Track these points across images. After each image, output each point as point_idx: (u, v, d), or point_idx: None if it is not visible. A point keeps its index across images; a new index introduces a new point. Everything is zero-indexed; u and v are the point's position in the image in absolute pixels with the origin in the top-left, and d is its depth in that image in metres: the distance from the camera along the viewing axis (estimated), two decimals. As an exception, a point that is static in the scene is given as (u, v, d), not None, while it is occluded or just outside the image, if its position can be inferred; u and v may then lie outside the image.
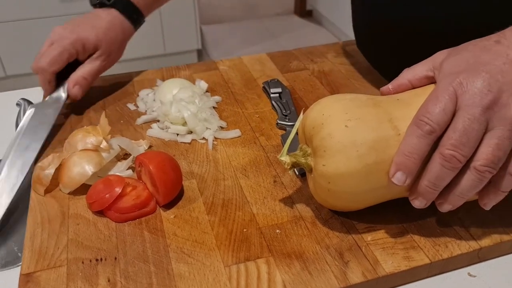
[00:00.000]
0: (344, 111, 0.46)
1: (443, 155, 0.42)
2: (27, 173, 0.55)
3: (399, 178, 0.43)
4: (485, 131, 0.42)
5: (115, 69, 0.75)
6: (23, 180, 0.55)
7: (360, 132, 0.44)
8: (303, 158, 0.49)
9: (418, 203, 0.45)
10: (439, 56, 0.48)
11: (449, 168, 0.42)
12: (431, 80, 0.48)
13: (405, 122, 0.44)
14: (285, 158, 0.48)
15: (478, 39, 0.46)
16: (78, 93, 0.67)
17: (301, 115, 0.49)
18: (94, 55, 0.69)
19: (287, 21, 3.15)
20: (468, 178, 0.43)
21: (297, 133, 0.50)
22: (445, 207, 0.45)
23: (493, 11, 0.52)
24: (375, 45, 0.72)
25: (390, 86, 0.50)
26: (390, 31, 0.66)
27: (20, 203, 0.55)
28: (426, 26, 0.61)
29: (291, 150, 0.50)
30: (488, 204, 0.45)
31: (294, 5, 3.28)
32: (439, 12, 0.59)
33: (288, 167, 0.48)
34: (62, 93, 0.67)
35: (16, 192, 0.54)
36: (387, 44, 0.68)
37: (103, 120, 0.58)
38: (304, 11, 3.23)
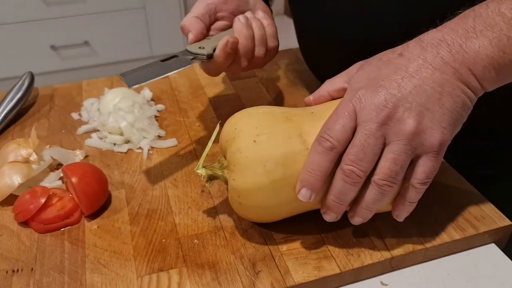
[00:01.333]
0: (255, 126, 0.46)
1: (343, 170, 0.43)
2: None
3: (304, 194, 0.44)
4: (384, 145, 0.42)
5: (98, 72, 0.76)
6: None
7: (267, 147, 0.45)
8: (219, 171, 0.49)
9: (328, 217, 0.46)
10: (353, 68, 0.49)
11: (351, 183, 0.43)
12: None
13: (315, 136, 0.45)
14: (201, 171, 0.49)
15: (388, 50, 0.46)
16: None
17: (217, 127, 0.49)
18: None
19: (277, 21, 3.15)
20: (370, 192, 0.44)
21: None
22: (356, 220, 0.46)
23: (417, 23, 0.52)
24: (317, 59, 0.73)
25: (311, 97, 0.51)
26: (326, 47, 0.67)
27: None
28: (358, 41, 0.61)
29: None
30: (400, 215, 0.46)
31: (283, 5, 3.28)
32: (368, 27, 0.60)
33: (205, 180, 0.49)
34: None
35: None
36: (327, 60, 0.69)
37: (33, 133, 0.58)
38: (293, 12, 3.23)
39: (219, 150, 0.51)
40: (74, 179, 0.51)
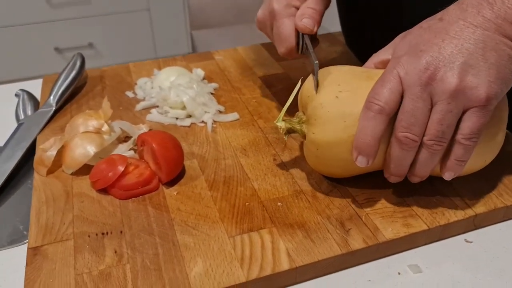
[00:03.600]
0: (337, 83, 0.48)
1: (398, 138, 0.44)
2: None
3: (360, 161, 0.45)
4: (431, 107, 0.43)
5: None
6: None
7: (349, 104, 0.46)
8: (298, 125, 0.50)
9: (393, 180, 0.48)
10: (397, 39, 0.49)
11: (407, 149, 0.44)
12: None
13: None
14: (281, 124, 0.50)
15: (428, 18, 0.47)
16: (308, 23, 0.54)
17: (298, 83, 0.51)
18: None
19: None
20: (422, 152, 0.45)
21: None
22: (415, 179, 0.48)
23: None
24: (363, 45, 0.74)
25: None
26: (375, 30, 0.68)
27: (21, 186, 0.55)
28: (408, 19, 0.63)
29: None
30: (447, 173, 0.46)
31: None
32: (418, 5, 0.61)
33: (283, 132, 0.50)
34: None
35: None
36: (373, 44, 0.71)
37: (106, 104, 0.58)
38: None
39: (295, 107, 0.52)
40: (154, 145, 0.51)
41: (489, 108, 0.42)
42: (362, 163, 0.45)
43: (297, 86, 0.51)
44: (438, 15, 0.46)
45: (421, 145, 0.44)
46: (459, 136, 0.43)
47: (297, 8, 0.56)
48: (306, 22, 0.54)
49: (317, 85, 0.48)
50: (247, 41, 0.62)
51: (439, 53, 0.42)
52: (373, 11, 0.70)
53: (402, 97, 0.44)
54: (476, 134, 0.43)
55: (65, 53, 2.33)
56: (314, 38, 0.58)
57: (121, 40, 2.41)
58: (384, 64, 0.50)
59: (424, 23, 0.46)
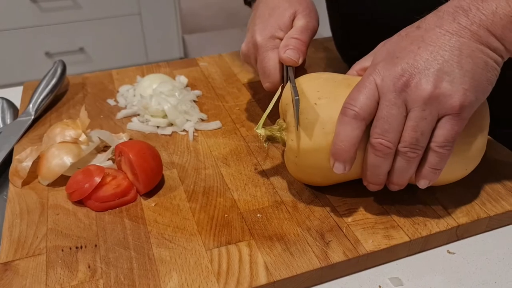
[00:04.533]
0: (316, 89, 0.47)
1: (372, 145, 0.43)
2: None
3: (337, 167, 0.44)
4: (406, 114, 0.42)
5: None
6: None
7: (328, 110, 0.46)
8: (278, 132, 0.50)
9: (371, 188, 0.47)
10: (378, 47, 0.49)
11: (381, 155, 0.43)
12: None
13: None
14: (261, 131, 0.49)
15: (407, 26, 0.46)
16: (292, 55, 0.53)
17: (278, 90, 0.50)
18: (296, 18, 0.58)
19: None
20: (398, 161, 0.44)
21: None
22: (393, 187, 0.47)
23: None
24: (353, 51, 0.74)
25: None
26: (365, 34, 0.68)
27: (-2, 198, 0.54)
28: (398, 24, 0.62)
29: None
30: (421, 182, 0.45)
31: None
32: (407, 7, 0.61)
33: (263, 140, 0.50)
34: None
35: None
36: (362, 50, 0.70)
37: (83, 113, 0.57)
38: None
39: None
40: (132, 155, 0.50)
41: (463, 116, 0.42)
42: (339, 170, 0.44)
43: (277, 93, 0.50)
44: (416, 23, 0.45)
45: (397, 153, 0.44)
46: (433, 144, 0.43)
47: (281, 39, 0.55)
48: (290, 53, 0.53)
49: (297, 121, 0.46)
50: (239, 45, 0.62)
51: (414, 60, 0.42)
52: (363, 17, 0.70)
53: (378, 104, 0.43)
54: (450, 142, 0.42)
55: (55, 58, 2.31)
56: (301, 68, 0.57)
57: (112, 45, 2.40)
58: (365, 71, 0.49)
59: (403, 31, 0.46)
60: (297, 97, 0.45)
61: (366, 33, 0.69)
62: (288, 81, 0.50)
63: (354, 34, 0.73)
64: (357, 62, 0.51)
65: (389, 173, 0.45)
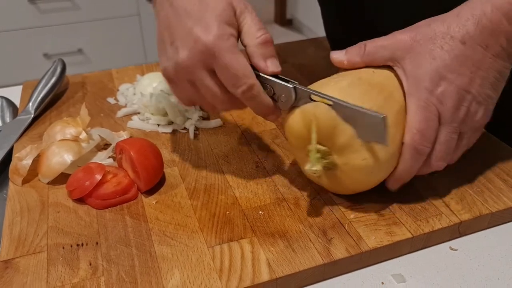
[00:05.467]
0: (360, 102, 0.44)
1: (431, 166, 0.48)
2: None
3: (394, 188, 0.50)
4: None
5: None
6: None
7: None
8: (325, 160, 0.46)
9: (394, 187, 0.50)
10: (397, 44, 0.47)
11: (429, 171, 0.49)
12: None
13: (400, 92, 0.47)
14: (317, 167, 0.45)
15: (439, 31, 0.45)
16: (277, 66, 0.47)
17: (313, 122, 0.45)
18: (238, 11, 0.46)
19: (267, 30, 3.18)
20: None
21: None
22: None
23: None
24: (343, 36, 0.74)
25: (345, 61, 0.49)
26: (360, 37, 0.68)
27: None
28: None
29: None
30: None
31: (274, 14, 3.31)
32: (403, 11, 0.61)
33: (318, 174, 0.46)
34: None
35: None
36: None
37: (83, 111, 0.57)
38: (284, 20, 3.27)
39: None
40: (133, 153, 0.50)
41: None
42: (394, 190, 0.50)
43: (312, 125, 0.45)
44: (458, 35, 0.44)
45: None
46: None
47: (235, 37, 0.45)
48: (274, 67, 0.46)
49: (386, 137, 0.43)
50: None
51: (470, 86, 0.44)
52: (359, 17, 0.70)
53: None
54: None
55: (54, 59, 2.30)
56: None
57: (111, 46, 2.40)
58: (375, 64, 0.48)
59: (442, 41, 0.45)
60: (382, 115, 0.42)
61: (361, 33, 0.69)
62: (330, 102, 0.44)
63: (349, 35, 0.73)
64: (373, 40, 0.48)
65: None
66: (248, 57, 0.46)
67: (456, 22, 0.45)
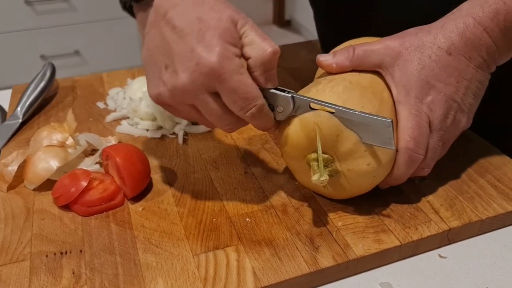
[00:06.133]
0: (360, 105, 0.44)
1: (420, 170, 0.49)
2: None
3: (384, 188, 0.50)
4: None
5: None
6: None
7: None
8: (328, 168, 0.46)
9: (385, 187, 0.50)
10: (388, 53, 0.47)
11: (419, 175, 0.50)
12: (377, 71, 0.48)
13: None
14: (325, 177, 0.44)
15: (426, 39, 0.46)
16: (276, 81, 0.46)
17: (317, 130, 0.44)
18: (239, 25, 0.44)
19: (266, 31, 3.12)
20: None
21: None
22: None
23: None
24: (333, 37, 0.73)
25: (334, 64, 0.48)
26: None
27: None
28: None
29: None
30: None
31: (272, 15, 3.31)
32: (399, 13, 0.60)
33: (325, 184, 0.45)
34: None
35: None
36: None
37: (70, 116, 0.57)
38: (282, 21, 3.26)
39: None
40: (118, 159, 0.49)
41: None
42: (385, 187, 0.50)
43: (317, 133, 0.44)
44: (444, 45, 0.45)
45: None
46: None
47: (240, 57, 0.42)
48: (272, 78, 0.45)
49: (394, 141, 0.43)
50: None
51: (456, 95, 0.46)
52: (350, 20, 0.69)
53: None
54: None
55: (51, 61, 2.30)
56: None
57: (108, 48, 2.39)
58: (341, 67, 0.48)
59: (430, 50, 0.46)
60: (390, 120, 0.42)
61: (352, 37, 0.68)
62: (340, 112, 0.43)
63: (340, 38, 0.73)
64: (357, 57, 0.47)
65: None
66: (248, 69, 0.43)
67: (442, 33, 0.46)
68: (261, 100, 0.43)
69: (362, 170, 0.45)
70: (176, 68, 0.41)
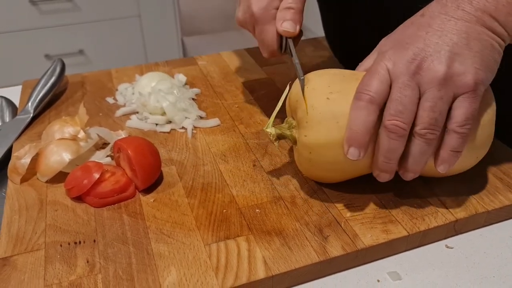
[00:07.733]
0: (327, 85, 0.47)
1: (386, 127, 0.43)
2: None
3: (352, 153, 0.44)
4: (420, 96, 0.43)
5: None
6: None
7: (340, 104, 0.45)
8: (288, 131, 0.50)
9: (382, 178, 0.47)
10: (380, 43, 0.49)
11: (396, 138, 0.43)
12: None
13: None
14: (271, 130, 0.49)
15: (411, 17, 0.47)
16: (289, 27, 0.53)
17: (286, 89, 0.50)
18: None
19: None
20: (415, 144, 0.44)
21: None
22: (408, 176, 0.46)
23: None
24: (347, 52, 0.74)
25: None
26: (359, 37, 0.68)
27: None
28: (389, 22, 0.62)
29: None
30: (443, 166, 0.45)
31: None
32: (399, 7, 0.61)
33: (274, 139, 0.49)
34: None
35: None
36: (357, 47, 0.70)
37: (82, 110, 0.57)
38: (285, 21, 3.26)
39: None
40: (130, 151, 0.50)
41: (478, 93, 0.43)
42: (353, 156, 0.44)
43: (285, 91, 0.49)
44: (419, 12, 0.46)
45: (413, 137, 0.44)
46: (453, 125, 0.43)
47: (277, 8, 0.54)
48: (286, 26, 0.53)
49: (303, 89, 0.47)
50: (237, 47, 0.61)
51: (424, 44, 0.43)
52: (358, 18, 0.70)
53: (390, 88, 0.44)
54: (469, 120, 0.43)
55: (55, 60, 2.31)
56: (298, 35, 0.57)
57: (112, 47, 2.40)
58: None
59: (407, 21, 0.47)
60: (302, 77, 0.48)
61: (360, 34, 0.69)
62: (297, 79, 0.49)
63: (345, 31, 0.74)
64: (360, 64, 0.51)
65: (404, 160, 0.45)
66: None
67: (422, 9, 0.46)
68: (273, 48, 0.55)
69: (301, 142, 0.48)
70: (240, 3, 0.57)
